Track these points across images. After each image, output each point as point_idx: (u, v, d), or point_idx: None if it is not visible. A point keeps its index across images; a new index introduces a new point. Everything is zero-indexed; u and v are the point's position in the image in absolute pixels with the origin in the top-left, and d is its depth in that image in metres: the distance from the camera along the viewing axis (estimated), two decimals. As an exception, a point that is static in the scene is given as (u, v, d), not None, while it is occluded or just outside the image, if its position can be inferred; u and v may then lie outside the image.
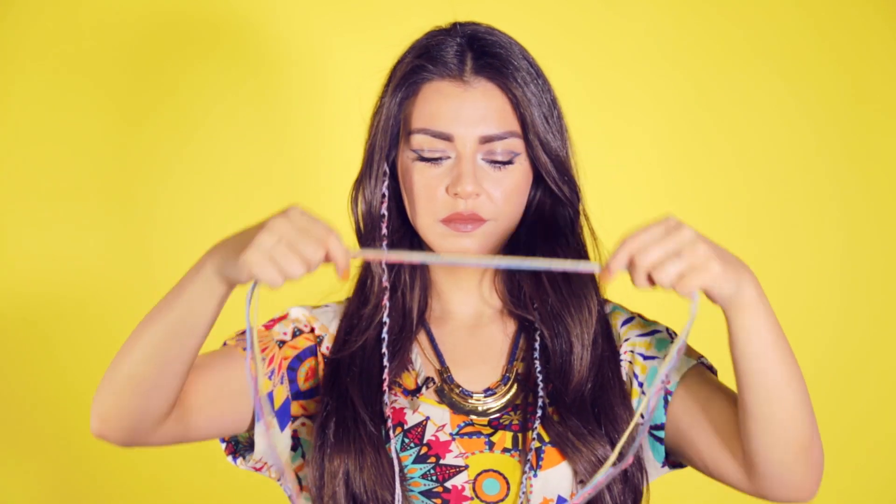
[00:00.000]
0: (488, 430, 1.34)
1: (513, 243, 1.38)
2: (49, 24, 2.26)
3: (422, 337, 1.41)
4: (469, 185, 1.29)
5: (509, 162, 1.32)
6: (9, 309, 2.27)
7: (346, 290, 1.44)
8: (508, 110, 1.32)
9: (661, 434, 1.34)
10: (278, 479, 1.39)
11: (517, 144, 1.32)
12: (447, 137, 1.31)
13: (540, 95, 1.32)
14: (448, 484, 1.30)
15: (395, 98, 1.35)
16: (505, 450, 1.33)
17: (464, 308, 1.41)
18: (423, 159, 1.32)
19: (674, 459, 1.37)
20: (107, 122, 2.28)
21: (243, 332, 1.37)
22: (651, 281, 1.11)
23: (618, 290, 1.38)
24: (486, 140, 1.30)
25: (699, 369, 1.35)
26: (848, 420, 2.48)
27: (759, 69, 2.40)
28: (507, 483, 1.31)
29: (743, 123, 2.41)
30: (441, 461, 1.31)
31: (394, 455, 1.30)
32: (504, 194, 1.32)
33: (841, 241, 2.44)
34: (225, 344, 1.39)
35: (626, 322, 1.40)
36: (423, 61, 1.33)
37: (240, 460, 1.38)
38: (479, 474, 1.32)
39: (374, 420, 1.32)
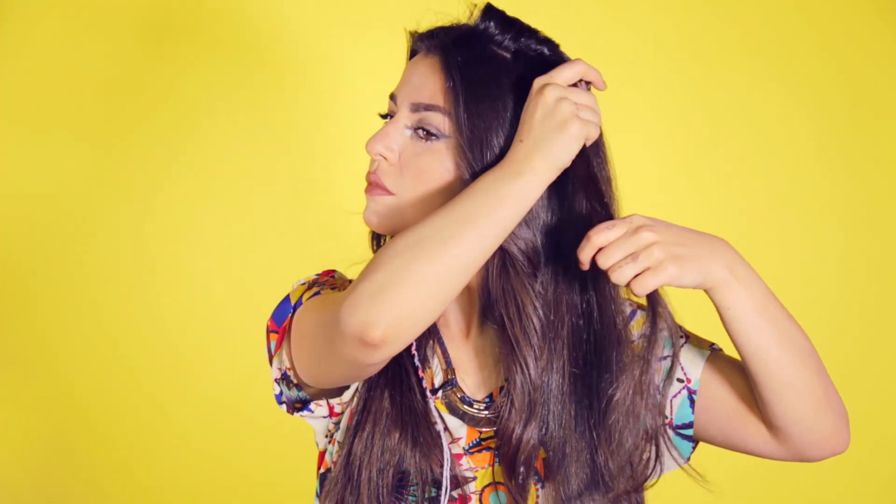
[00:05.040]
0: (495, 442, 1.32)
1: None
2: (49, 23, 2.26)
3: (432, 336, 1.38)
4: (377, 144, 1.27)
5: (433, 136, 1.26)
6: (9, 309, 2.28)
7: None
8: (445, 88, 1.27)
9: (689, 432, 1.33)
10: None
11: (447, 125, 1.26)
12: (393, 98, 1.30)
13: (488, 98, 1.26)
14: (455, 493, 1.30)
15: None
16: None
17: (456, 313, 1.37)
18: (384, 117, 1.33)
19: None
20: (106, 119, 2.28)
21: (328, 273, 1.37)
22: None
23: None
24: (416, 108, 1.27)
25: (714, 357, 1.35)
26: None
27: (756, 72, 2.40)
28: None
29: (739, 126, 2.41)
30: (451, 472, 1.30)
31: (440, 426, 1.30)
32: (411, 167, 1.27)
33: (837, 241, 2.44)
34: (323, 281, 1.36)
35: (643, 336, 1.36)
36: (420, 36, 1.33)
37: (305, 412, 1.36)
38: (485, 487, 1.31)
39: (420, 390, 1.32)
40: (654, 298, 1.25)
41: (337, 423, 1.36)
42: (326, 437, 1.36)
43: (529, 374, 1.28)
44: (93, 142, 2.28)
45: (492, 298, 1.29)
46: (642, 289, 1.17)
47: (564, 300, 1.28)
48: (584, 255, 1.19)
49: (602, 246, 1.18)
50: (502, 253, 1.27)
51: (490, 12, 1.30)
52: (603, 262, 1.18)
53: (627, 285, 1.18)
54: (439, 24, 1.33)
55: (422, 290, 1.15)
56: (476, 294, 1.34)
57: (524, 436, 1.28)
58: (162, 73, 2.29)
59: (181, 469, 2.32)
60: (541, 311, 1.27)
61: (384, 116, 1.33)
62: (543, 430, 1.29)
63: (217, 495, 2.33)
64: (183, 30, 2.28)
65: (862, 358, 2.46)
